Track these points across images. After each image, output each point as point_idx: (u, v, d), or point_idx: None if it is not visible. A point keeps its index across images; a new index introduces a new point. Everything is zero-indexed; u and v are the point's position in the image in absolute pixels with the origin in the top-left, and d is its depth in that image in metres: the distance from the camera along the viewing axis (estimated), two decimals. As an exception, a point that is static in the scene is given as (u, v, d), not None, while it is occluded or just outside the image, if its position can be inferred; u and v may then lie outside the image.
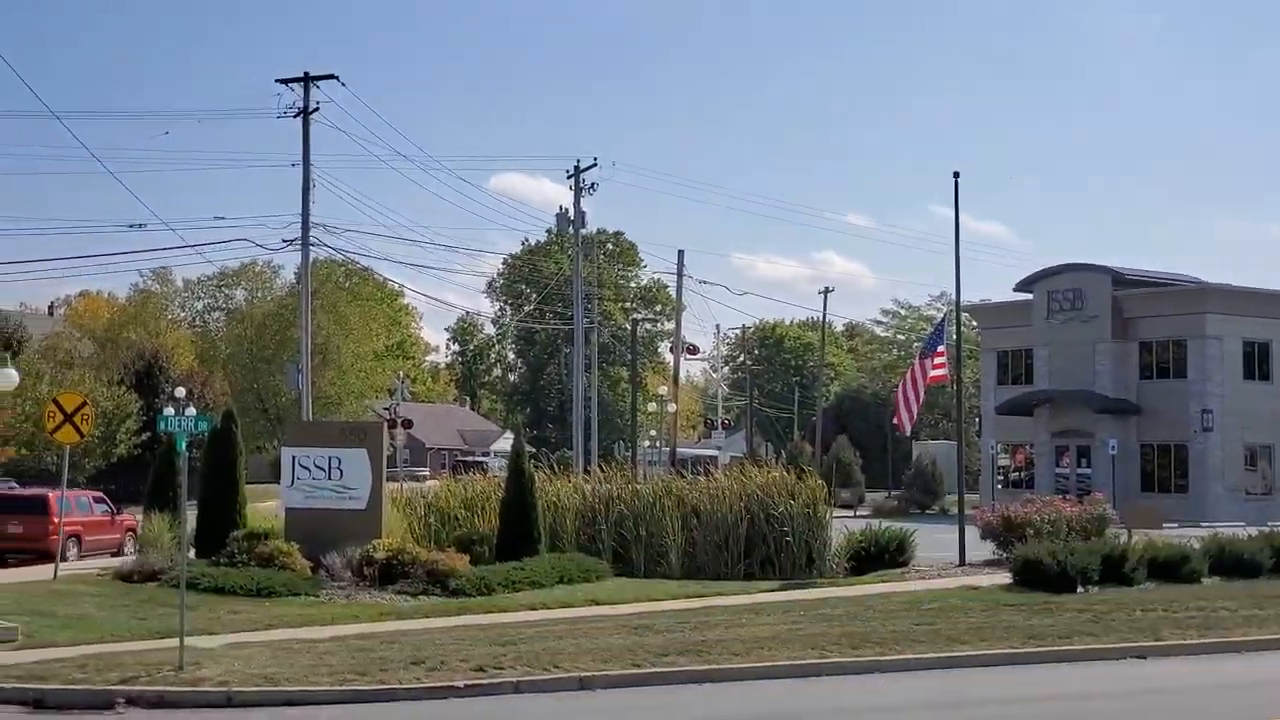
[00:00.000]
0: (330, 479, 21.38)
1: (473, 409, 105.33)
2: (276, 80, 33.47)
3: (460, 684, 12.89)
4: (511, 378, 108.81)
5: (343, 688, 12.64)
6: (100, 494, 30.06)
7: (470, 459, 72.51)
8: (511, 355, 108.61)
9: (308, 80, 33.57)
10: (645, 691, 13.17)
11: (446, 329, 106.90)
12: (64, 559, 22.87)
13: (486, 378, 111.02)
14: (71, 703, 12.24)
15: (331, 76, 34.02)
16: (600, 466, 29.87)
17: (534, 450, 47.95)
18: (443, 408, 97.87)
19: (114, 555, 26.08)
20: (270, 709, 12.18)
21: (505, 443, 67.17)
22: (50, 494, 26.20)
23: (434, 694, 12.71)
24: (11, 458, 35.64)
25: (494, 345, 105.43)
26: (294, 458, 21.81)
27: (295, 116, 33.24)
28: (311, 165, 33.89)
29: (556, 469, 29.40)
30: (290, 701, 12.33)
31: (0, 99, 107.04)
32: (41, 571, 21.74)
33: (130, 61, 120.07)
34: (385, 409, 49.26)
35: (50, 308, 60.38)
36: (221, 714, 12.25)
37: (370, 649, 14.77)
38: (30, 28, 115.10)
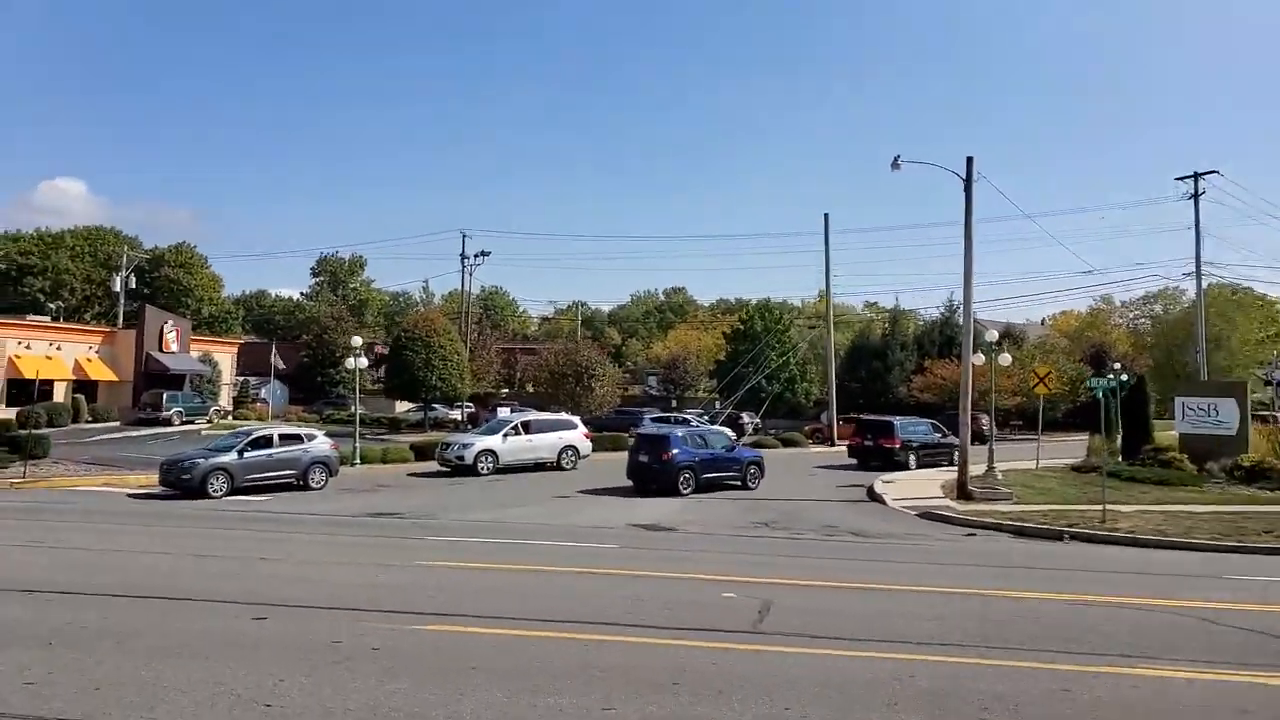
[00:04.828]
0: (1209, 416, 31.36)
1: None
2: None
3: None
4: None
5: (1212, 541, 18.88)
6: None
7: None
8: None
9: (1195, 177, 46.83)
10: None
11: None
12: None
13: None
14: (1037, 534, 20.48)
15: (1214, 172, 47.77)
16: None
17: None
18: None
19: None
20: (1159, 550, 18.47)
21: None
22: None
23: (1276, 551, 18.17)
24: (1016, 405, 52.78)
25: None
26: (1183, 403, 32.53)
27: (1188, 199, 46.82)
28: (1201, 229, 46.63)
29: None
30: (1174, 546, 18.81)
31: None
32: (1026, 465, 34.42)
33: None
34: (1262, 374, 60.72)
35: (1042, 321, 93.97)
36: (1116, 549, 18.67)
37: (1233, 520, 21.23)
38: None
